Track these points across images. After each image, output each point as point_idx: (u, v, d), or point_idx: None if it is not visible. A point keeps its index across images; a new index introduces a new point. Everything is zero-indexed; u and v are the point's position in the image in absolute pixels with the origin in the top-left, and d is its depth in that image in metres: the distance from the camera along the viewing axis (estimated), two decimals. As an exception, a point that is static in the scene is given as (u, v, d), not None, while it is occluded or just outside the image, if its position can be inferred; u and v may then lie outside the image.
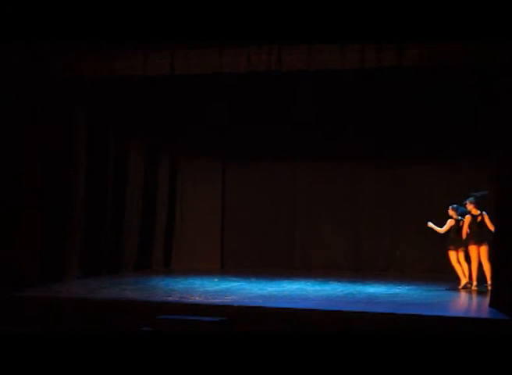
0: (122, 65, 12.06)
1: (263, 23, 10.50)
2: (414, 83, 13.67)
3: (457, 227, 12.54)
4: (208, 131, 15.41)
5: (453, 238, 12.56)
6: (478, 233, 12.29)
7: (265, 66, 11.56)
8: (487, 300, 11.01)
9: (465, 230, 12.41)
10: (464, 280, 12.43)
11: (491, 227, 12.00)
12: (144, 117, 14.94)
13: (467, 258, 12.45)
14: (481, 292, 12.05)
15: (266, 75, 12.50)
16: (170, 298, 11.24)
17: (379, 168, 14.94)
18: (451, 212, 12.63)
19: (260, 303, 10.85)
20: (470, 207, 12.42)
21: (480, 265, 12.29)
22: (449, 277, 13.98)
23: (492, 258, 11.31)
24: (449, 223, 12.58)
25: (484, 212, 12.27)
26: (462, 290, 12.35)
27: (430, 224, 12.75)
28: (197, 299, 11.20)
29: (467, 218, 12.42)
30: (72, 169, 13.29)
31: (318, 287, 12.75)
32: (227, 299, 11.20)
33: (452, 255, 12.55)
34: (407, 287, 12.68)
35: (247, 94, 14.79)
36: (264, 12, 10.42)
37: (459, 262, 12.51)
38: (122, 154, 14.76)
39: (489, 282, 12.04)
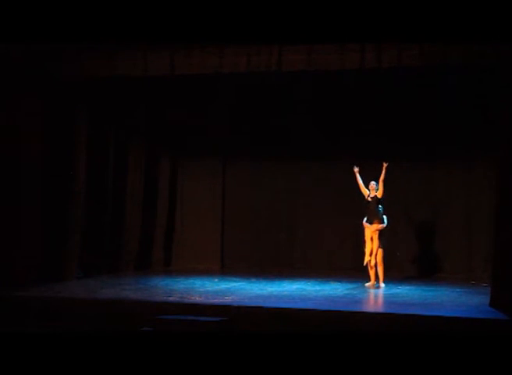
0: (122, 65, 12.07)
1: (263, 23, 10.50)
2: (414, 83, 13.66)
3: None
4: (208, 131, 15.42)
5: None
6: None
7: (265, 66, 11.56)
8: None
9: None
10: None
11: None
12: (144, 117, 14.95)
13: None
14: None
15: (266, 75, 12.51)
16: (170, 298, 11.24)
17: (379, 168, 14.91)
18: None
19: (260, 303, 10.85)
20: None
21: None
22: (448, 277, 14.01)
23: (492, 258, 11.28)
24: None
25: None
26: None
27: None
28: (198, 299, 11.20)
29: None
30: (73, 169, 13.29)
31: (318, 287, 12.75)
32: (227, 299, 11.20)
33: None
34: (407, 287, 12.69)
35: (247, 94, 14.79)
36: (265, 12, 10.41)
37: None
38: (123, 154, 14.77)
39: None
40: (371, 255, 12.59)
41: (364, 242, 12.73)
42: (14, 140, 12.43)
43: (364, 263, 12.72)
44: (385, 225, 12.60)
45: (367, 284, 12.67)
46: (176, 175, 15.98)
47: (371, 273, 12.67)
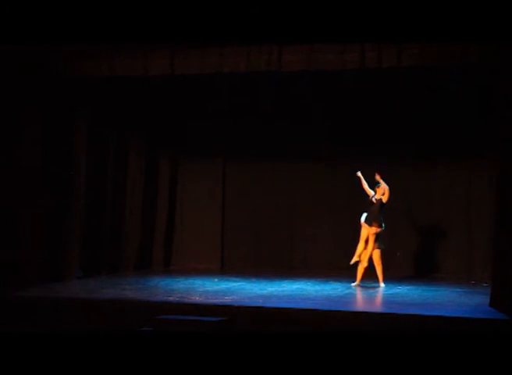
0: (122, 65, 12.06)
1: (263, 23, 10.50)
2: (414, 83, 13.67)
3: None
4: (208, 131, 15.42)
5: None
6: None
7: (265, 66, 11.56)
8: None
9: None
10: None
11: None
12: (144, 117, 14.94)
13: None
14: None
15: (266, 75, 12.51)
16: (170, 298, 11.23)
17: (379, 168, 14.91)
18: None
19: (260, 303, 10.85)
20: None
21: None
22: (448, 278, 14.01)
23: (493, 258, 11.28)
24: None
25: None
26: None
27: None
28: (197, 299, 11.19)
29: None
30: (73, 169, 13.28)
31: (318, 287, 12.75)
32: (227, 299, 11.20)
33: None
34: (407, 287, 12.69)
35: (247, 94, 14.78)
36: (264, 13, 10.41)
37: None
38: (123, 154, 14.76)
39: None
40: (361, 256, 12.67)
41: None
42: (14, 140, 12.42)
43: (351, 262, 12.78)
44: (382, 229, 12.62)
45: (352, 284, 12.72)
46: (176, 175, 15.98)
47: (359, 272, 12.72)
